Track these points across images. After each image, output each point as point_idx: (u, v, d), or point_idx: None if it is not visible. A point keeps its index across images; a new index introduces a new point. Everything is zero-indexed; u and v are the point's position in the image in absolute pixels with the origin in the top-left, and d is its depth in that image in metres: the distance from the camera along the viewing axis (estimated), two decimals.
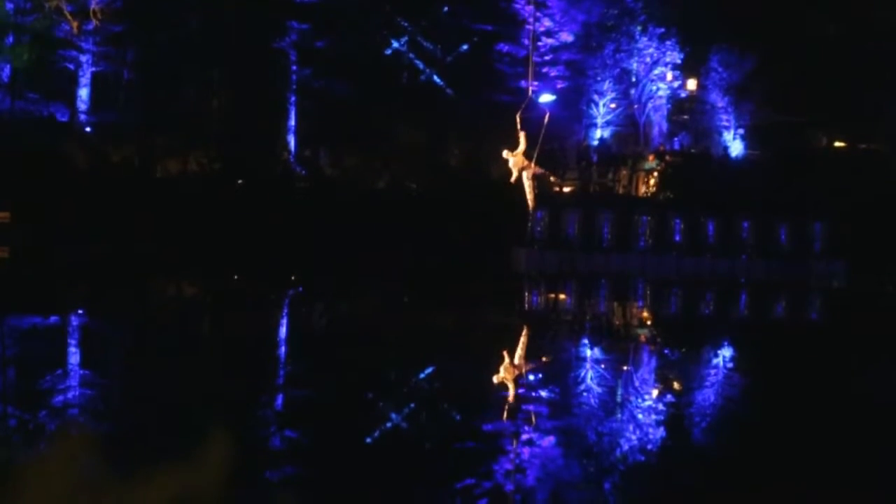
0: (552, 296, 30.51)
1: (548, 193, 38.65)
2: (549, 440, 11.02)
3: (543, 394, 13.82)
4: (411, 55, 48.63)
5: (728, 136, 48.83)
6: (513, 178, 33.11)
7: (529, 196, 34.13)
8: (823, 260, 37.79)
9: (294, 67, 46.30)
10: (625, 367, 16.80)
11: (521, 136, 32.66)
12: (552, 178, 36.23)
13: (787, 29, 48.48)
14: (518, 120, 32.94)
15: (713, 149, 48.39)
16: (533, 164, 33.48)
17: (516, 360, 16.69)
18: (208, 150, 43.44)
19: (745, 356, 19.03)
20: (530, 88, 40.28)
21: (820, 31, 48.96)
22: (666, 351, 19.22)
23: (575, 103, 45.91)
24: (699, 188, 41.70)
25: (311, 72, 46.30)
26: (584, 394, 13.99)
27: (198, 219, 37.14)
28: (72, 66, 45.51)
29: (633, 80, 48.03)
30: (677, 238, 37.38)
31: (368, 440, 10.90)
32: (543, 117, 34.62)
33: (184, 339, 18.37)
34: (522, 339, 19.91)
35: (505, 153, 33.14)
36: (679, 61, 48.07)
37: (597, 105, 47.02)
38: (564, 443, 10.95)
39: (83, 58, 45.27)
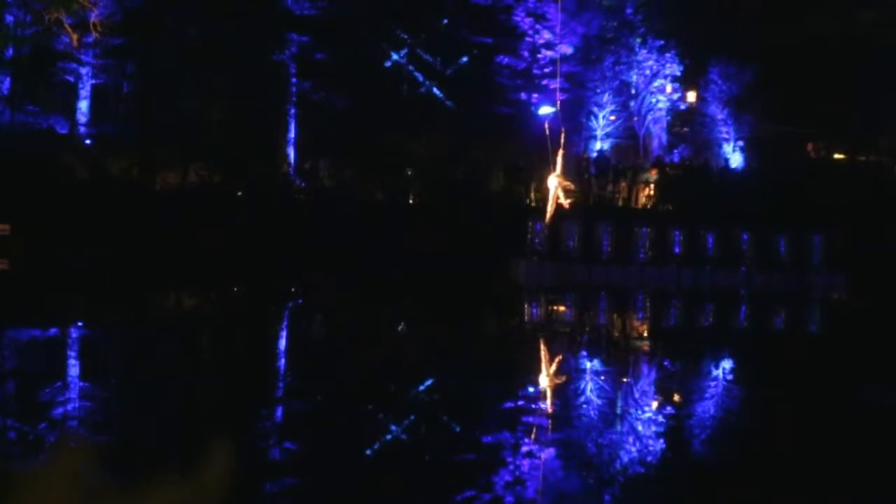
0: (551, 308, 30.49)
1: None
2: (549, 452, 11.00)
3: (543, 406, 13.80)
4: (411, 67, 48.67)
5: (728, 147, 48.88)
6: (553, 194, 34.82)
7: (550, 208, 35.25)
8: (823, 272, 37.73)
9: (294, 80, 46.33)
10: (624, 380, 16.79)
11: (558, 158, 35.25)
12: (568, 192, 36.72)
13: (787, 41, 48.52)
14: (548, 130, 34.56)
15: (713, 161, 48.42)
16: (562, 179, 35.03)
17: (516, 372, 16.67)
18: (208, 162, 43.42)
19: (746, 369, 19.02)
20: (558, 101, 40.65)
21: (820, 42, 48.97)
22: (666, 363, 19.20)
23: (574, 115, 45.94)
24: (698, 200, 41.71)
25: (311, 84, 46.32)
26: (584, 406, 13.97)
27: (197, 231, 37.11)
28: (71, 79, 45.51)
29: (633, 92, 48.09)
30: (677, 250, 37.34)
31: (368, 452, 10.88)
32: (552, 129, 35.35)
33: (183, 351, 18.36)
34: (521, 351, 19.90)
35: (554, 178, 35.00)
36: (679, 73, 48.14)
37: (596, 117, 47.07)
38: (564, 455, 10.93)
39: (83, 70, 45.27)
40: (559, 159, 35.87)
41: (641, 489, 10.03)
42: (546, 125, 36.35)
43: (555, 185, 35.45)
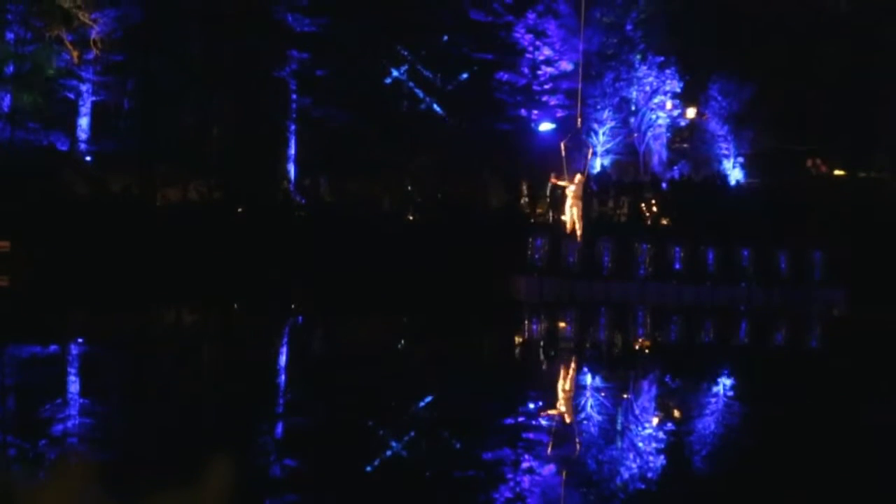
0: (551, 324, 30.46)
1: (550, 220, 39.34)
2: (550, 469, 10.99)
3: (543, 422, 13.79)
4: (411, 84, 48.76)
5: (728, 164, 48.91)
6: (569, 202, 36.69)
7: (578, 225, 35.82)
8: (823, 288, 37.70)
9: (294, 96, 46.40)
10: (625, 396, 16.77)
11: (577, 176, 37.03)
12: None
13: (787, 57, 48.60)
14: (563, 149, 35.50)
15: (713, 177, 48.43)
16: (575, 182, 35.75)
17: (516, 389, 16.66)
18: (208, 179, 43.44)
19: (747, 386, 18.99)
20: (579, 118, 40.84)
21: (820, 58, 49.05)
22: (667, 379, 19.19)
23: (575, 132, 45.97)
24: (699, 216, 41.70)
25: (311, 100, 46.38)
26: (585, 422, 13.96)
27: (198, 248, 37.12)
28: (72, 96, 45.59)
29: (633, 108, 48.12)
30: (677, 266, 37.32)
31: (368, 468, 10.87)
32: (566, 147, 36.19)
33: (183, 369, 18.34)
34: (521, 368, 19.88)
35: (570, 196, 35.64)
36: (678, 90, 48.18)
37: (596, 133, 47.09)
38: (565, 471, 10.91)
39: (83, 87, 45.36)
40: (572, 175, 36.53)
41: None
42: (563, 144, 36.91)
43: (571, 202, 36.40)
